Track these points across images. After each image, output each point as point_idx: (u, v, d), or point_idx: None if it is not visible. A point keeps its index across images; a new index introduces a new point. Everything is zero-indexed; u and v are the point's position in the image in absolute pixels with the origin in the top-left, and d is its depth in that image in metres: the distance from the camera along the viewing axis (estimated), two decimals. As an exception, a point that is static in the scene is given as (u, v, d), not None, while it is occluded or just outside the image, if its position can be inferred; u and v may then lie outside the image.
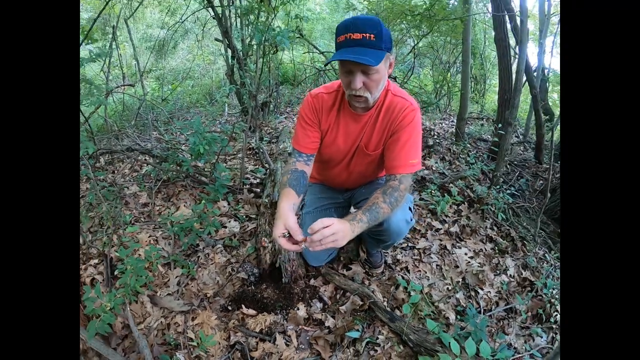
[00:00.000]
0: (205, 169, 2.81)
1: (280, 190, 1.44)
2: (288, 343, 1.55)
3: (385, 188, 1.36)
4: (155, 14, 7.71)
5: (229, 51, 3.62)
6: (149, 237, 2.13)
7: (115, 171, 3.00)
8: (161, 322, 1.63)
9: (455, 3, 4.14)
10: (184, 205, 2.46)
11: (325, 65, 1.18)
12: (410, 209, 1.61)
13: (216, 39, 4.17)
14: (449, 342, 1.38)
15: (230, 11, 3.46)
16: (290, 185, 1.41)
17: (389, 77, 1.43)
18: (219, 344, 1.54)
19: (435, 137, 4.13)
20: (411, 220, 1.61)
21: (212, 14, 3.58)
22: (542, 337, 1.71)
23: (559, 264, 2.19)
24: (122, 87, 3.95)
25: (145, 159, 2.94)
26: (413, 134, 1.41)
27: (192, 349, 1.51)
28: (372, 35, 1.17)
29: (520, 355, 1.59)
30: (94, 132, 2.98)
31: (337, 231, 1.13)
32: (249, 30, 3.12)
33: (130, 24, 3.75)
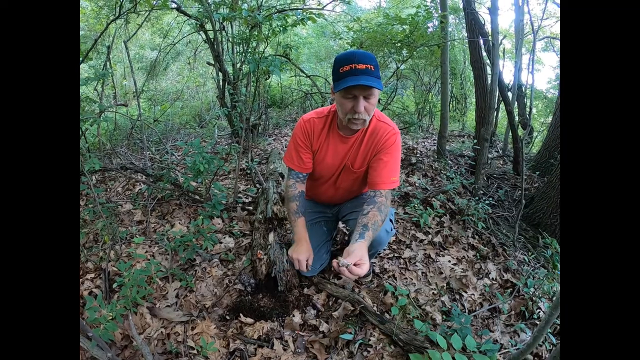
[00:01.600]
0: (199, 188, 2.90)
1: (294, 216, 1.75)
2: (285, 348, 1.62)
3: (378, 205, 1.54)
4: (147, 35, 7.88)
5: (220, 75, 3.76)
6: (145, 252, 2.20)
7: (108, 189, 3.06)
8: (161, 332, 1.68)
9: (436, 25, 4.41)
10: (179, 223, 2.54)
11: (335, 92, 1.32)
12: (391, 220, 1.79)
13: (208, 63, 4.33)
14: (437, 339, 1.49)
15: (222, 36, 3.62)
16: (302, 213, 1.74)
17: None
18: (219, 351, 1.60)
19: (418, 155, 4.30)
20: (391, 230, 1.79)
21: (204, 37, 3.74)
22: (526, 333, 1.83)
23: (538, 264, 2.35)
24: (115, 107, 4.04)
25: (138, 178, 3.01)
26: (394, 155, 1.62)
27: (192, 357, 1.57)
28: (372, 67, 1.39)
29: (506, 350, 1.70)
30: (88, 149, 3.06)
31: (366, 270, 1.31)
32: (241, 56, 3.28)
33: (124, 45, 3.87)
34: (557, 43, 7.59)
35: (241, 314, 1.76)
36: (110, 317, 1.50)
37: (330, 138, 1.69)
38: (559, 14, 7.42)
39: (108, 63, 3.78)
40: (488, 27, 3.72)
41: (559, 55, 7.52)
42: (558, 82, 5.13)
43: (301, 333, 1.70)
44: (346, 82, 1.38)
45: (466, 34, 4.10)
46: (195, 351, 1.58)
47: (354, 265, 1.27)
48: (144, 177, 2.95)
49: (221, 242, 2.30)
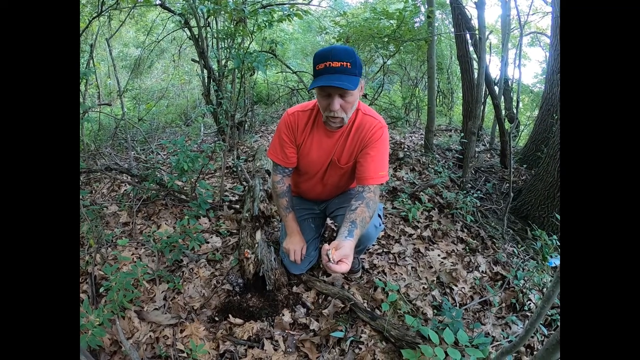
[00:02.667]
0: (185, 188, 2.86)
1: (284, 212, 1.82)
2: (276, 348, 1.61)
3: (366, 201, 1.52)
4: (131, 33, 7.74)
5: (205, 72, 3.71)
6: (131, 255, 2.15)
7: (93, 191, 3.00)
8: (150, 336, 1.65)
9: (423, 20, 4.41)
10: (165, 224, 2.49)
11: (309, 91, 1.34)
12: (379, 215, 1.79)
13: (193, 60, 4.26)
14: (428, 334, 1.49)
15: (206, 32, 3.56)
16: (292, 208, 1.82)
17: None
18: (209, 353, 1.58)
19: (405, 149, 4.31)
20: (380, 225, 1.78)
21: (189, 34, 3.68)
22: (518, 325, 1.84)
23: (527, 256, 2.37)
24: (99, 106, 3.96)
25: (123, 179, 2.95)
26: (381, 149, 1.60)
27: (182, 360, 1.55)
28: (348, 64, 1.35)
29: (498, 342, 1.71)
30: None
31: (346, 269, 1.28)
32: (225, 51, 3.23)
33: (107, 43, 3.79)
34: (543, 38, 7.67)
35: (230, 315, 1.73)
36: (98, 323, 1.46)
37: (315, 132, 1.67)
38: (545, 10, 7.50)
39: (91, 62, 3.69)
40: (475, 22, 3.73)
41: (545, 50, 7.61)
42: (544, 76, 5.18)
43: (291, 332, 1.69)
44: (318, 81, 1.37)
45: (453, 29, 4.10)
46: (185, 354, 1.56)
47: (338, 261, 1.25)
48: (129, 177, 2.89)
49: (208, 242, 2.27)
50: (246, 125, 4.87)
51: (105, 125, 4.77)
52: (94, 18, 4.09)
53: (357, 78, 1.40)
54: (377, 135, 1.59)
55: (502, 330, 1.80)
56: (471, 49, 3.88)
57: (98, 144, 3.95)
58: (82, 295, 1.85)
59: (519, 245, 2.49)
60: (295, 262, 1.78)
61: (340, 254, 1.25)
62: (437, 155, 4.07)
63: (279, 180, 1.79)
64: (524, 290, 2.00)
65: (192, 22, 3.65)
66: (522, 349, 1.70)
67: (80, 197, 2.56)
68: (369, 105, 4.35)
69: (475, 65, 3.86)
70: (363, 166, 1.60)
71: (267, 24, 2.69)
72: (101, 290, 1.83)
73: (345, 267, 1.25)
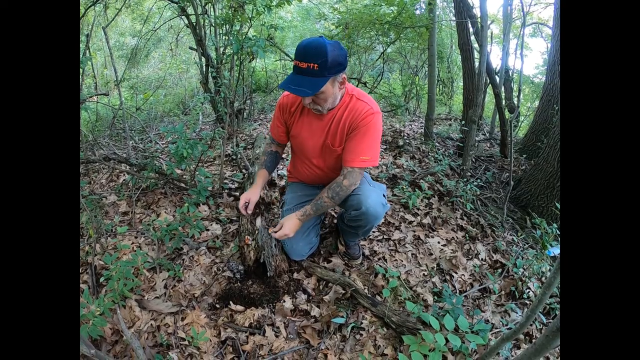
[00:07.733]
0: (184, 176, 2.84)
1: (259, 167, 1.94)
2: (277, 334, 1.62)
3: (330, 184, 1.63)
4: (127, 22, 7.65)
5: (203, 59, 3.66)
6: (131, 244, 2.15)
7: (92, 181, 2.98)
8: (151, 324, 1.65)
9: (423, 8, 4.36)
10: (165, 212, 2.48)
11: (280, 89, 1.45)
12: (383, 195, 1.81)
13: (190, 48, 4.21)
14: (429, 320, 1.49)
15: (204, 20, 3.51)
16: (265, 167, 1.91)
17: (359, 83, 1.62)
18: (210, 340, 1.58)
19: (405, 137, 4.29)
20: (386, 204, 1.78)
21: (186, 22, 3.63)
22: (517, 313, 1.85)
23: (527, 245, 2.38)
24: (96, 96, 3.92)
25: (122, 168, 2.94)
26: (368, 134, 1.60)
27: (184, 348, 1.55)
28: (316, 65, 1.38)
29: (498, 329, 1.72)
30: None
31: (287, 232, 1.64)
32: (223, 39, 3.18)
33: (103, 32, 3.73)
34: (545, 29, 7.57)
35: (231, 302, 1.74)
36: (99, 313, 1.46)
37: (305, 114, 1.72)
38: (547, 0, 7.39)
39: (87, 51, 3.64)
40: (476, 11, 3.69)
41: (546, 41, 7.52)
42: (546, 67, 5.14)
43: (292, 318, 1.69)
44: (284, 81, 1.45)
45: (454, 17, 4.05)
46: (186, 342, 1.56)
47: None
48: (127, 167, 2.87)
49: (208, 230, 2.27)
50: (245, 113, 4.84)
51: (103, 115, 4.73)
52: (89, 7, 4.04)
53: (324, 79, 1.42)
54: (367, 121, 1.59)
55: (502, 318, 1.81)
56: (472, 37, 3.84)
57: (96, 134, 3.91)
58: (82, 286, 1.85)
59: (519, 234, 2.49)
60: (239, 211, 1.82)
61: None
62: (437, 144, 4.05)
63: (269, 144, 1.95)
64: (523, 279, 2.01)
65: (189, 10, 3.59)
66: (521, 336, 1.72)
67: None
68: (368, 93, 4.32)
69: (477, 54, 3.83)
70: (348, 148, 1.63)
71: (265, 9, 2.65)
72: (102, 280, 1.83)
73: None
